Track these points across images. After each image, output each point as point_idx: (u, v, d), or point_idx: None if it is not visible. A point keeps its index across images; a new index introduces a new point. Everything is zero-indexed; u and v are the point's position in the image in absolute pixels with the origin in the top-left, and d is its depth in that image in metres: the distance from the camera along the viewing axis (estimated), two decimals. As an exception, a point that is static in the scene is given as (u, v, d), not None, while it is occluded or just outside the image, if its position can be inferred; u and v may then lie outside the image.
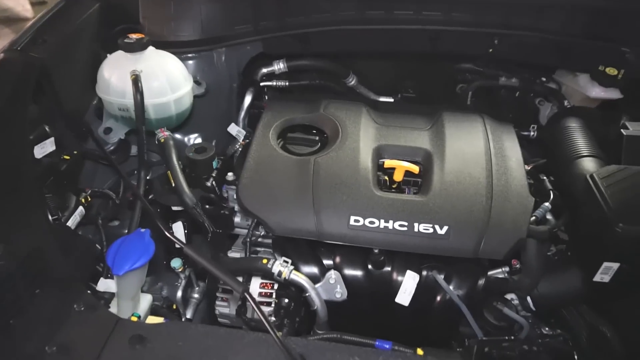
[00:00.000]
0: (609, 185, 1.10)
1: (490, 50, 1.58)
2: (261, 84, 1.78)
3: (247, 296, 0.96)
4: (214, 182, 1.39)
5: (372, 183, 1.26)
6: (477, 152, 1.33)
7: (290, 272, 1.16)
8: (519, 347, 1.10)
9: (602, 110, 1.59)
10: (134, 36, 1.40)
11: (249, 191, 1.26)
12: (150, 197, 1.41)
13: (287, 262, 1.18)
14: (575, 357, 1.22)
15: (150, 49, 1.42)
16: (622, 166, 1.16)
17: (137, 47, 1.37)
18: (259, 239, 1.35)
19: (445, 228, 1.16)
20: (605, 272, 1.10)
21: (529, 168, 1.40)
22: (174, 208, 1.38)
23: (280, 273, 1.16)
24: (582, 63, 1.54)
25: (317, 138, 1.44)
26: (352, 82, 1.85)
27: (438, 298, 1.21)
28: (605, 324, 1.22)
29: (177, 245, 1.10)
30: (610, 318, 1.23)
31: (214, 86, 1.63)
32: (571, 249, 1.29)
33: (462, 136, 1.38)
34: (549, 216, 1.26)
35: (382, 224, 1.18)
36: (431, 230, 1.16)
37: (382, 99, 1.94)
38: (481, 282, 1.22)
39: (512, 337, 1.16)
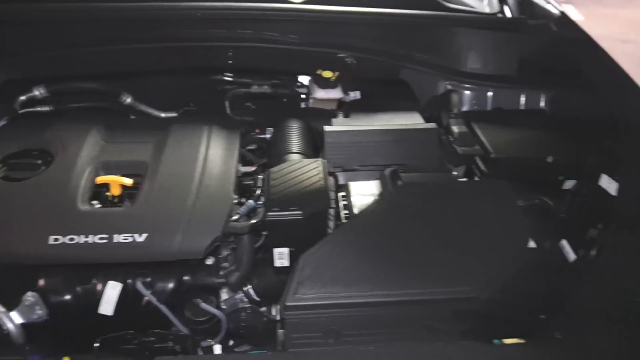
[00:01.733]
0: (277, 178, 1.21)
1: (230, 61, 1.67)
2: (21, 111, 1.74)
3: None
4: None
5: (81, 200, 1.28)
6: (190, 160, 1.39)
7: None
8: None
9: (337, 109, 1.74)
10: None
11: None
12: None
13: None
14: None
15: None
16: (299, 160, 1.29)
17: None
18: None
19: (145, 235, 1.20)
20: (281, 257, 1.21)
21: (254, 168, 1.49)
22: None
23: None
24: (305, 68, 1.67)
25: (40, 162, 1.43)
26: (128, 100, 1.86)
27: (143, 304, 1.25)
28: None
29: None
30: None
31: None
32: None
33: (181, 146, 1.44)
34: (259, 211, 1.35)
35: (82, 239, 1.20)
36: (130, 240, 1.20)
37: (164, 114, 1.97)
38: (187, 280, 1.27)
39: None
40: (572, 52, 1.51)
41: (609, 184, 1.18)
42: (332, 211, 1.33)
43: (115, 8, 1.49)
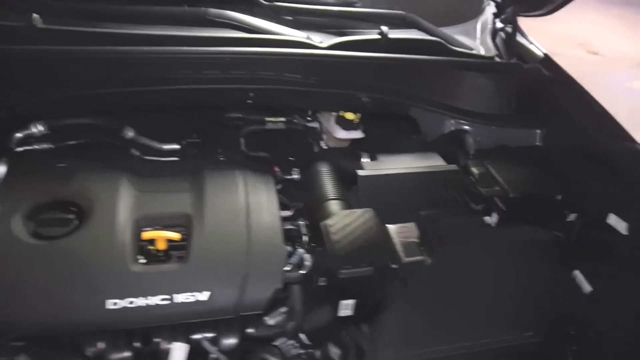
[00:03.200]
0: (336, 232, 1.27)
1: (249, 101, 1.68)
2: (17, 149, 1.62)
3: None
4: None
5: (130, 259, 1.24)
6: (234, 209, 1.39)
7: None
8: None
9: (348, 149, 1.81)
10: None
11: None
12: None
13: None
14: None
15: None
16: (349, 211, 1.35)
17: None
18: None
19: (207, 293, 1.21)
20: (346, 308, 1.27)
21: (291, 213, 1.53)
22: None
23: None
24: (327, 107, 1.73)
25: (72, 216, 1.36)
26: (131, 135, 1.80)
27: (210, 361, 1.26)
28: (364, 339, 1.42)
29: None
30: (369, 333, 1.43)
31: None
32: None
33: (221, 194, 1.44)
34: (308, 258, 1.40)
35: (142, 301, 1.17)
36: (192, 299, 1.20)
37: (167, 146, 1.92)
38: (251, 333, 1.30)
39: None
40: (557, 91, 1.72)
41: (617, 223, 1.37)
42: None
43: (141, 52, 1.44)
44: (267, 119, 1.82)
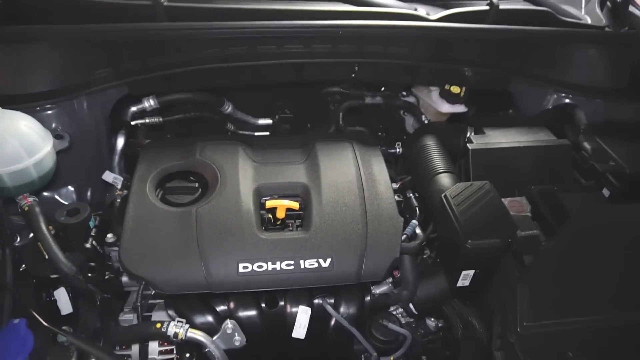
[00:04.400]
0: (459, 204, 1.27)
1: (353, 75, 1.69)
2: (132, 122, 1.72)
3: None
4: (94, 242, 1.34)
5: (256, 226, 1.31)
6: (349, 181, 1.43)
7: (187, 332, 1.17)
8: None
9: (452, 122, 1.79)
10: (-30, 100, 1.26)
11: (132, 253, 1.23)
12: (22, 268, 1.31)
13: (181, 322, 1.19)
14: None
15: (-4, 110, 1.30)
16: (468, 183, 1.35)
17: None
18: (150, 300, 1.33)
19: (329, 260, 1.25)
20: (465, 278, 1.28)
21: (397, 186, 1.54)
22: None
23: (176, 334, 1.16)
24: (430, 82, 1.72)
25: (196, 185, 1.44)
26: (229, 110, 1.87)
27: (330, 325, 1.31)
28: (471, 314, 1.43)
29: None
30: (475, 309, 1.44)
31: (80, 135, 1.52)
32: (438, 256, 1.47)
33: (335, 166, 1.48)
34: (418, 230, 1.42)
35: (270, 266, 1.24)
36: (316, 265, 1.25)
37: (261, 121, 1.99)
38: (367, 301, 1.34)
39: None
40: None
41: None
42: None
43: (250, 25, 1.47)
44: (366, 93, 1.83)
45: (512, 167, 1.51)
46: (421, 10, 1.61)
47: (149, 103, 1.71)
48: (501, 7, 1.60)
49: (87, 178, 1.58)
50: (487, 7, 1.59)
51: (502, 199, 1.37)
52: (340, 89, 1.84)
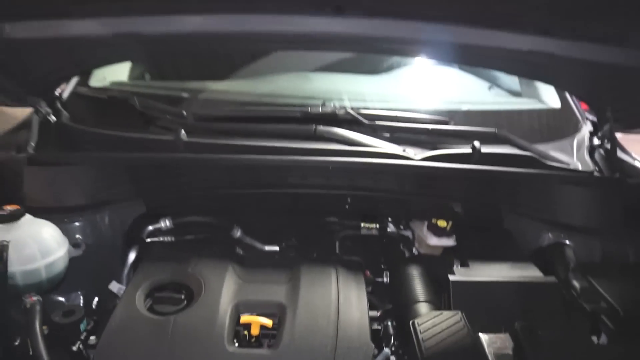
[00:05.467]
0: (425, 331, 1.26)
1: (347, 206, 1.83)
2: (147, 240, 1.90)
3: None
4: (80, 346, 1.41)
5: (227, 339, 1.34)
6: (326, 304, 1.46)
7: None
8: None
9: (444, 255, 1.82)
10: (9, 207, 1.50)
11: (106, 356, 1.30)
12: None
13: None
14: None
15: (26, 217, 1.52)
16: (437, 312, 1.34)
17: (8, 219, 1.47)
18: None
19: None
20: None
21: (379, 314, 1.55)
22: None
23: None
24: (421, 216, 1.81)
25: (182, 297, 1.53)
26: (238, 234, 2.02)
27: None
28: None
29: None
30: None
31: (96, 246, 1.71)
32: None
33: (315, 289, 1.53)
34: (392, 358, 1.38)
35: None
36: (281, 385, 1.24)
37: (268, 247, 2.10)
38: None
39: None
40: None
41: None
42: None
43: (262, 160, 1.69)
44: (362, 224, 1.94)
45: (496, 303, 1.49)
46: (410, 151, 1.78)
47: (165, 223, 1.90)
48: (484, 151, 1.74)
49: (95, 286, 1.72)
50: (471, 151, 1.73)
51: (484, 335, 1.34)
52: (336, 218, 1.96)
